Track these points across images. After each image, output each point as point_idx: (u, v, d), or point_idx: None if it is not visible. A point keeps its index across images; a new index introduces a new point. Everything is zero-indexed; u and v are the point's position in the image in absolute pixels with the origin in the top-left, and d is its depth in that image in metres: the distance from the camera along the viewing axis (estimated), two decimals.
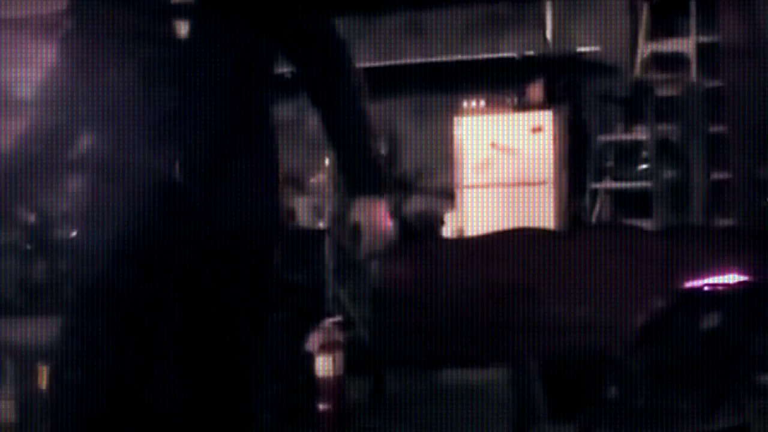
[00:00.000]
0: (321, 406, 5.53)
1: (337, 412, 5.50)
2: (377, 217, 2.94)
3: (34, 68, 3.06)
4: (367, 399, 6.04)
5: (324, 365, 5.53)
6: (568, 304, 5.99)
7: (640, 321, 4.39)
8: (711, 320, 4.50)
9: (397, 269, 7.04)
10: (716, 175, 7.80)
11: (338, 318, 5.94)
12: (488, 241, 6.98)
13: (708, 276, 4.74)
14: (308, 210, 7.84)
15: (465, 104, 8.48)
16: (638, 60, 8.39)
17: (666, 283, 5.41)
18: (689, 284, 4.72)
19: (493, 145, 8.31)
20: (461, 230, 8.28)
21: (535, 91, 8.42)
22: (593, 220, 8.10)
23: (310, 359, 5.58)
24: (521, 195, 8.17)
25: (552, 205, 8.12)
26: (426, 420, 5.48)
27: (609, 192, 8.31)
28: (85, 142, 2.93)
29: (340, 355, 5.56)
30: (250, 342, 2.95)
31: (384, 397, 6.07)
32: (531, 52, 8.61)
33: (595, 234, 6.98)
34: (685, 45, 8.23)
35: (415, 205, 8.81)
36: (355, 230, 2.94)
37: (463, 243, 7.54)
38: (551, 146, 8.23)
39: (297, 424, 5.53)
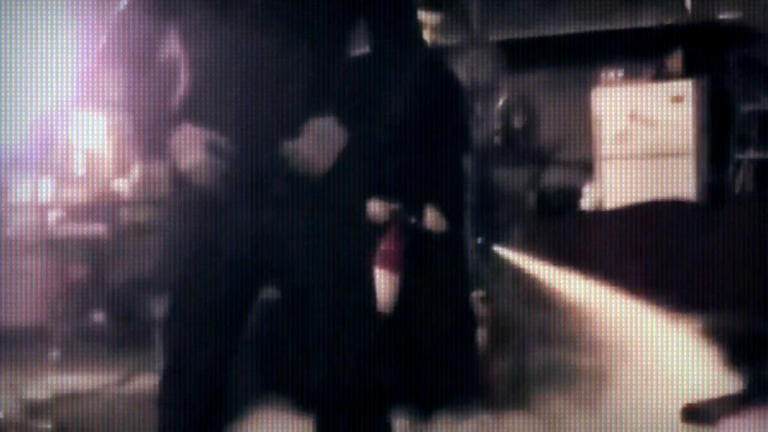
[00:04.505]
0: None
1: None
2: None
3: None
4: (510, 374, 6.04)
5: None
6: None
7: None
8: None
9: (536, 242, 7.03)
10: None
11: (481, 292, 5.94)
12: (629, 214, 6.93)
13: None
14: None
15: (603, 75, 8.39)
16: None
17: None
18: None
19: (632, 116, 8.21)
20: (600, 203, 8.20)
21: (675, 60, 8.28)
22: (737, 191, 7.95)
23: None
24: (661, 166, 8.06)
25: (693, 176, 7.99)
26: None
27: (753, 163, 8.13)
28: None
29: (482, 330, 5.56)
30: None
31: (525, 373, 6.06)
32: (670, 21, 8.46)
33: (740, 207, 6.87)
34: None
35: (553, 177, 8.76)
36: None
37: (602, 216, 7.50)
38: (692, 116, 8.10)
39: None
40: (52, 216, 8.07)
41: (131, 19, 2.98)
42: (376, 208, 4.79)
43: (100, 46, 3.00)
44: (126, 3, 2.99)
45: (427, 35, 4.82)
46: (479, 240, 5.14)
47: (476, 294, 5.76)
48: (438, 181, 5.00)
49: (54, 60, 7.68)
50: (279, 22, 2.84)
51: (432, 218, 4.93)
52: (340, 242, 2.91)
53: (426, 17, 4.80)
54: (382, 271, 4.80)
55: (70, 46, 7.65)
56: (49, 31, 7.79)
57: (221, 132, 2.84)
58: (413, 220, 4.90)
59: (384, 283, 4.80)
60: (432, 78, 4.82)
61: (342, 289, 2.91)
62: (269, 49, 2.82)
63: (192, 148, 2.82)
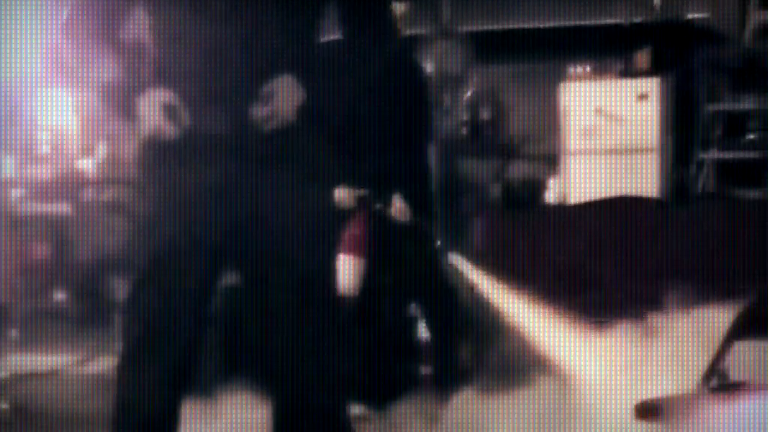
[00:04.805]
0: (423, 370, 5.57)
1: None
2: None
3: None
4: (469, 365, 6.07)
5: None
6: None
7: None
8: None
9: (499, 232, 7.06)
10: None
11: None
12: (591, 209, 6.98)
13: None
14: None
15: (571, 70, 8.43)
16: (748, 28, 8.25)
17: None
18: None
19: (598, 111, 8.26)
20: (564, 196, 8.25)
21: (642, 58, 8.33)
22: (699, 189, 8.02)
23: (413, 323, 5.62)
24: (626, 162, 8.11)
25: (657, 173, 8.05)
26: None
27: (716, 162, 8.21)
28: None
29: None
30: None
31: (486, 362, 6.09)
32: (639, 19, 8.52)
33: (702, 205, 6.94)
34: None
35: (518, 170, 8.79)
36: None
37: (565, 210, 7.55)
38: (657, 114, 8.15)
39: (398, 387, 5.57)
40: (15, 193, 8.01)
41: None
42: (341, 193, 4.81)
43: (64, 19, 3.00)
44: None
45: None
46: (437, 243, 5.15)
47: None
48: (403, 169, 5.02)
49: (18, 35, 7.63)
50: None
51: (397, 206, 4.95)
52: (306, 202, 2.94)
53: (393, 6, 4.82)
54: (347, 256, 4.82)
55: (34, 20, 7.59)
56: (12, 7, 7.74)
57: (185, 96, 2.88)
58: (378, 206, 4.92)
59: (348, 268, 4.82)
60: (396, 67, 4.84)
61: (305, 269, 2.93)
62: (237, 25, 2.86)
63: (155, 110, 2.87)
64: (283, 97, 2.88)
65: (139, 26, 3.00)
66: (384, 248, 5.03)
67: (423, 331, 5.58)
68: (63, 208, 7.95)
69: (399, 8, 4.87)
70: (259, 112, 2.87)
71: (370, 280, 4.97)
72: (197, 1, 2.88)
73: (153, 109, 2.87)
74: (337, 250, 4.61)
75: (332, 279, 3.06)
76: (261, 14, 2.88)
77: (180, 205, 2.89)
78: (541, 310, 5.00)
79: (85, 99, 8.17)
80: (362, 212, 4.92)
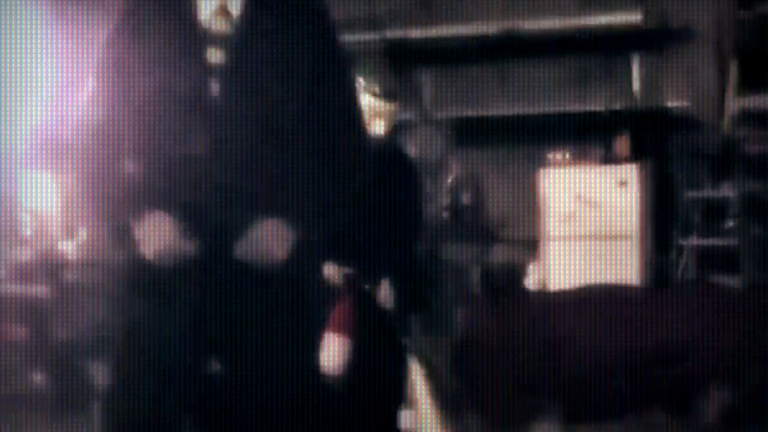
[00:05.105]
0: None
1: None
2: None
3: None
4: None
5: (406, 419, 5.53)
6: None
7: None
8: None
9: (479, 320, 7.06)
10: None
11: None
12: (572, 298, 6.98)
13: None
14: None
15: (551, 156, 8.51)
16: (727, 116, 8.36)
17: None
18: None
19: (578, 197, 8.32)
20: (544, 282, 8.28)
21: (622, 144, 8.43)
22: (679, 276, 8.06)
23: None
24: (606, 248, 8.16)
25: (637, 259, 8.09)
26: None
27: (695, 248, 8.26)
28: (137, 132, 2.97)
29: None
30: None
31: None
32: (618, 106, 8.62)
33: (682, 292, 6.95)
34: None
35: (498, 254, 8.82)
36: None
37: (545, 298, 7.55)
38: (637, 200, 8.22)
39: None
40: None
41: (97, 104, 3.02)
42: (330, 271, 4.82)
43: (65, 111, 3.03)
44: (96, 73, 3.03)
45: (384, 123, 4.92)
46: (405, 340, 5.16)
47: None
48: (394, 256, 5.05)
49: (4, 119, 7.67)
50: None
51: (384, 292, 4.96)
52: (291, 329, 2.95)
53: (383, 106, 4.90)
54: (334, 335, 4.82)
55: (21, 105, 7.64)
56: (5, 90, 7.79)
57: (178, 211, 2.89)
58: (367, 287, 4.93)
59: (335, 347, 4.81)
60: (387, 161, 4.89)
61: (286, 359, 2.94)
62: (227, 154, 2.88)
63: (156, 237, 2.88)
64: (271, 244, 2.89)
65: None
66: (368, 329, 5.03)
67: None
68: (43, 289, 7.92)
69: (389, 108, 4.94)
70: (244, 252, 2.90)
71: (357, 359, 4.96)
72: (187, 130, 2.89)
73: (155, 236, 2.88)
74: (323, 329, 4.61)
75: (316, 375, 3.07)
76: (251, 148, 2.89)
77: (164, 316, 2.91)
78: None
79: (67, 182, 8.19)
80: (350, 291, 4.93)
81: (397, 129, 5.46)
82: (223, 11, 2.93)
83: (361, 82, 4.84)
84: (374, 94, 4.88)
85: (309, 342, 3.06)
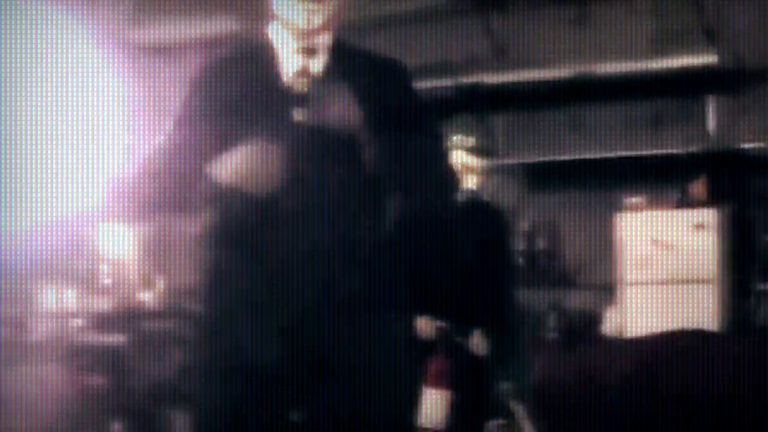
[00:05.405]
0: None
1: None
2: None
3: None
4: None
5: None
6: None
7: None
8: None
9: (557, 367, 7.01)
10: None
11: (502, 420, 5.93)
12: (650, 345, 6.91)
13: None
14: None
15: (626, 200, 8.44)
16: None
17: None
18: None
19: (654, 241, 8.24)
20: (621, 328, 8.19)
21: (698, 187, 8.33)
22: (760, 322, 7.93)
23: None
24: (683, 293, 8.05)
25: (715, 305, 7.98)
26: None
27: None
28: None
29: None
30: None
31: None
32: (694, 148, 8.54)
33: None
34: None
35: (574, 300, 8.77)
36: None
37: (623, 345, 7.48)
38: (715, 244, 8.11)
39: None
40: (75, 324, 8.11)
41: (170, 155, 3.04)
42: (423, 325, 4.87)
43: (137, 169, 3.05)
44: (168, 135, 3.05)
45: (475, 178, 4.97)
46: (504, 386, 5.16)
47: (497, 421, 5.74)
48: (485, 305, 5.07)
49: (85, 171, 7.80)
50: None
51: (477, 341, 4.99)
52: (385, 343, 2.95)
53: (475, 162, 4.94)
54: (432, 390, 4.85)
55: (102, 156, 7.76)
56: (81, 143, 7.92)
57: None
58: (459, 339, 4.97)
59: (435, 401, 4.85)
60: (477, 211, 4.94)
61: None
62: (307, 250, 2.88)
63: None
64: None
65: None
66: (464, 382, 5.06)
67: None
68: (122, 338, 8.03)
69: (481, 164, 4.98)
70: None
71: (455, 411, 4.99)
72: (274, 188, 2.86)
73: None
74: (420, 384, 4.70)
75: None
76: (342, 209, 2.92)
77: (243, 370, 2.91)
78: None
79: (146, 233, 8.31)
80: (443, 344, 4.97)
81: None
82: (305, 72, 2.96)
83: (455, 138, 4.89)
84: (468, 150, 4.94)
85: (407, 398, 3.07)
